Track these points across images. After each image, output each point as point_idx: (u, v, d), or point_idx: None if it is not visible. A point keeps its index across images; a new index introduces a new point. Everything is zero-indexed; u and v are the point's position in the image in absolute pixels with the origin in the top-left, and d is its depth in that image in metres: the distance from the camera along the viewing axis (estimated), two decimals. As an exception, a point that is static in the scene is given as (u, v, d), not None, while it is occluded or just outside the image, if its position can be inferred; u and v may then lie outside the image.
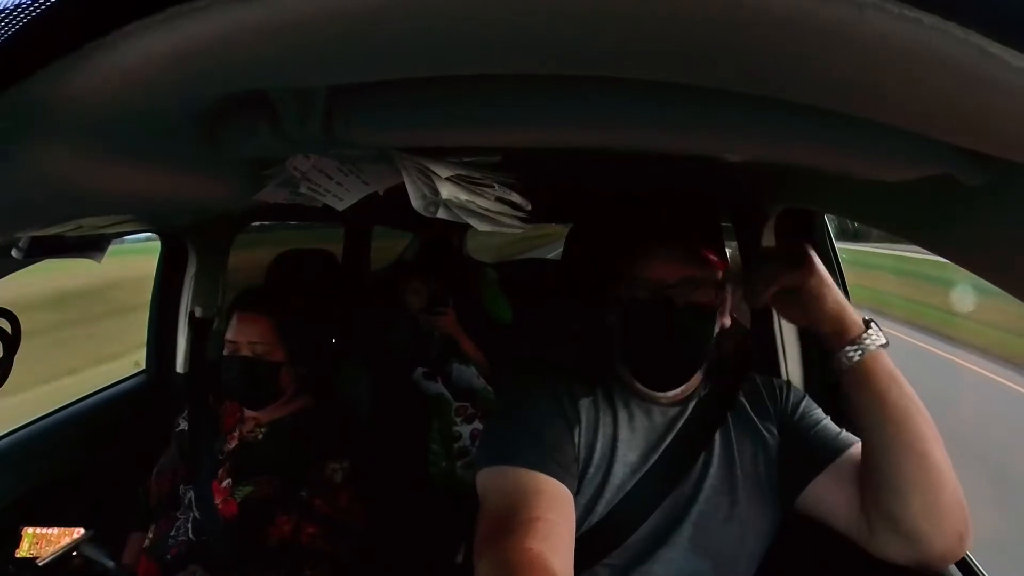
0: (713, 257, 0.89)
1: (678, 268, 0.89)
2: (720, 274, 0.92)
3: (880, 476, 0.83)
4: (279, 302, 1.41)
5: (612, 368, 0.99)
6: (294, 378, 1.40)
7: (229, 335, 1.36)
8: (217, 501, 1.29)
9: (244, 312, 1.37)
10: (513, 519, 0.78)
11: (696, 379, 0.98)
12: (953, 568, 0.90)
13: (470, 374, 2.09)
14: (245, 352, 1.34)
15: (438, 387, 2.05)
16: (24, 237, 0.81)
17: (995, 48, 0.32)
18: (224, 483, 1.31)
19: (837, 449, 0.91)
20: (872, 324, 0.86)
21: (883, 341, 0.84)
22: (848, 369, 0.84)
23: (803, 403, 0.99)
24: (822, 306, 0.85)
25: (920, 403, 0.83)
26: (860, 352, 0.83)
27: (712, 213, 0.98)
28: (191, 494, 1.33)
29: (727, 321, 0.97)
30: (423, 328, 2.12)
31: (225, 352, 1.36)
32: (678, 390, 0.98)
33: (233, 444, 1.37)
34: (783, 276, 0.85)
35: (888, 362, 0.85)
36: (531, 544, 0.74)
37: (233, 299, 1.47)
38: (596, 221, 1.71)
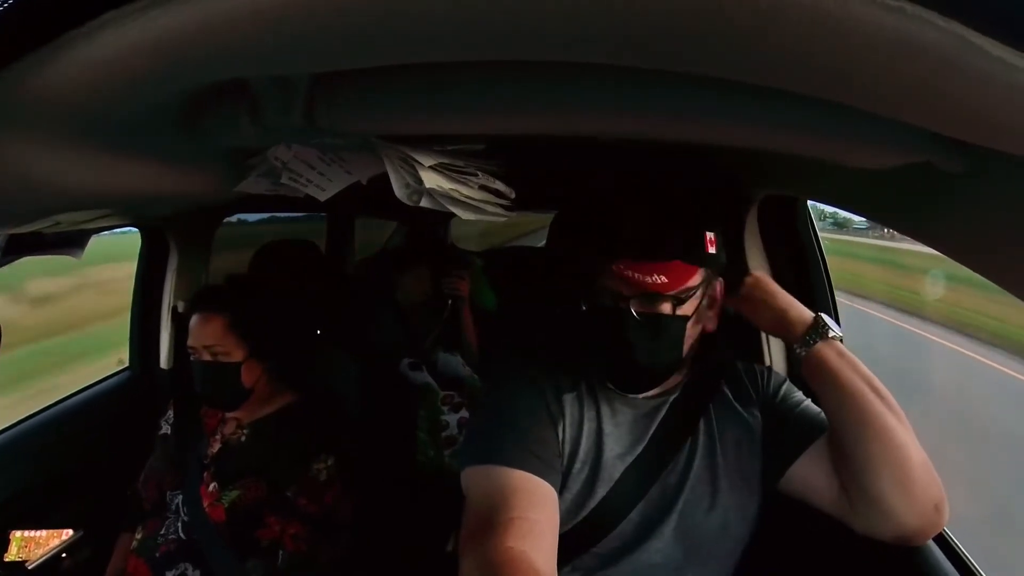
0: (667, 277, 0.87)
1: (636, 283, 0.87)
2: (691, 282, 0.89)
3: (847, 454, 0.86)
4: (235, 297, 1.35)
5: (592, 359, 0.99)
6: (266, 374, 1.37)
7: (189, 340, 1.31)
8: (205, 505, 1.27)
9: (199, 312, 1.32)
10: (495, 518, 0.79)
11: (673, 378, 0.99)
12: (933, 545, 0.92)
13: (456, 363, 2.08)
14: (204, 357, 1.29)
15: (424, 376, 2.04)
16: (1, 235, 0.80)
17: (976, 38, 0.32)
18: (211, 487, 1.28)
19: (818, 428, 0.93)
20: (821, 319, 0.92)
21: (833, 334, 0.91)
22: (802, 360, 0.91)
23: (784, 386, 1.01)
24: (759, 319, 0.98)
25: (878, 383, 0.88)
26: (804, 348, 0.91)
27: (690, 220, 0.93)
28: (179, 499, 1.31)
29: (710, 326, 0.96)
30: (415, 309, 2.13)
31: (190, 357, 1.32)
32: (654, 391, 0.98)
33: (216, 447, 1.34)
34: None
35: (840, 350, 0.90)
36: (512, 543, 0.75)
37: (191, 299, 1.42)
38: (565, 219, 1.70)
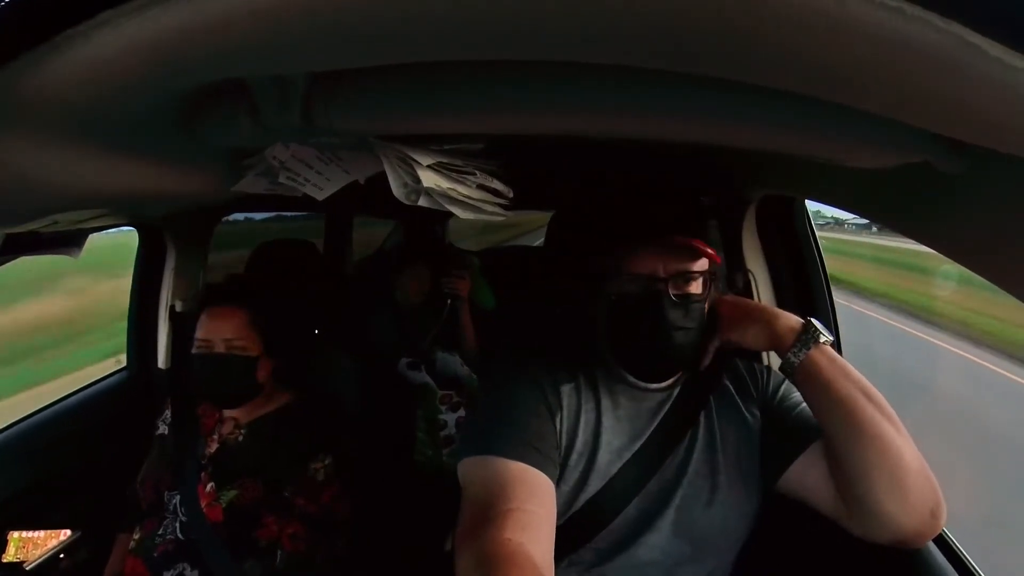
0: (704, 248, 0.88)
1: (669, 262, 0.88)
2: (710, 264, 0.91)
3: (841, 461, 0.86)
4: (255, 293, 1.35)
5: (596, 355, 0.99)
6: (272, 372, 1.37)
7: (200, 333, 1.29)
8: (202, 505, 1.27)
9: (217, 306, 1.31)
10: (492, 510, 0.78)
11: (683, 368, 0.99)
12: (932, 545, 0.92)
13: (454, 362, 2.09)
14: (219, 349, 1.28)
15: (422, 376, 2.05)
16: (-2, 234, 0.80)
17: (975, 38, 0.32)
18: (208, 487, 1.28)
19: (815, 431, 0.93)
20: (811, 325, 0.91)
21: (822, 339, 0.89)
22: (794, 369, 0.90)
23: (783, 386, 1.01)
24: (749, 339, 0.94)
25: (871, 389, 0.87)
26: (797, 356, 0.89)
27: (697, 204, 0.97)
28: (177, 499, 1.30)
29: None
30: (416, 308, 2.13)
31: (196, 351, 1.30)
32: (669, 380, 0.99)
33: (214, 447, 1.34)
34: (709, 343, 0.96)
35: (831, 356, 0.89)
36: (510, 535, 0.74)
37: (202, 293, 1.42)
38: (578, 211, 1.70)
